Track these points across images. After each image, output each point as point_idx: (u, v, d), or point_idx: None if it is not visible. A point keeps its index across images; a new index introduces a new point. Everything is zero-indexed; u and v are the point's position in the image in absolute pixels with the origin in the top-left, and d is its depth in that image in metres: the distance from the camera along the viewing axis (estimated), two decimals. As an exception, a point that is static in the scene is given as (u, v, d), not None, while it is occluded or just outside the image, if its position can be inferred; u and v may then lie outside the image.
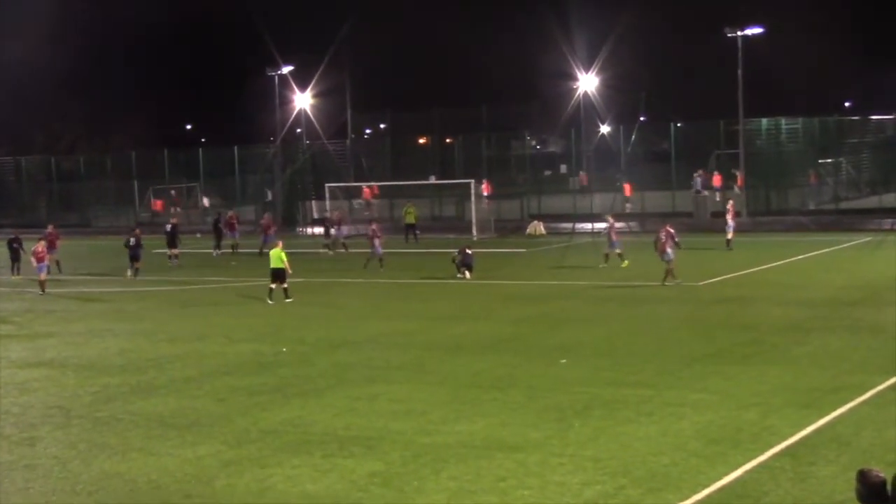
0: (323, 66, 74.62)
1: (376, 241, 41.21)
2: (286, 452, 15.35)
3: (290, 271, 33.00)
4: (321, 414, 17.67)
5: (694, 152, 64.78)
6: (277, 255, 33.03)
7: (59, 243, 44.35)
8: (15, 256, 42.87)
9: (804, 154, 61.38)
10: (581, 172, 71.07)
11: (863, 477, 7.95)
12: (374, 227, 42.54)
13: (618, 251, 38.23)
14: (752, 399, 17.37)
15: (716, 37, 62.88)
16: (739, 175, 62.03)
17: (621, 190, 65.15)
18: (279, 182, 72.12)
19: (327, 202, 61.28)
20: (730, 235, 44.18)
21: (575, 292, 32.80)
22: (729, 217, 45.13)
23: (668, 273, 32.99)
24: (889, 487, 7.85)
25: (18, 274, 42.41)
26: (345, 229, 51.35)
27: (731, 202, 47.59)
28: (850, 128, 66.57)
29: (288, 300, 32.34)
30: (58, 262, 43.21)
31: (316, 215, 65.11)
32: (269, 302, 32.36)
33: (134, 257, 41.09)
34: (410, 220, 55.65)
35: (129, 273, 41.01)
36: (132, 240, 41.28)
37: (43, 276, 37.16)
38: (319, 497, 13.41)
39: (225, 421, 17.48)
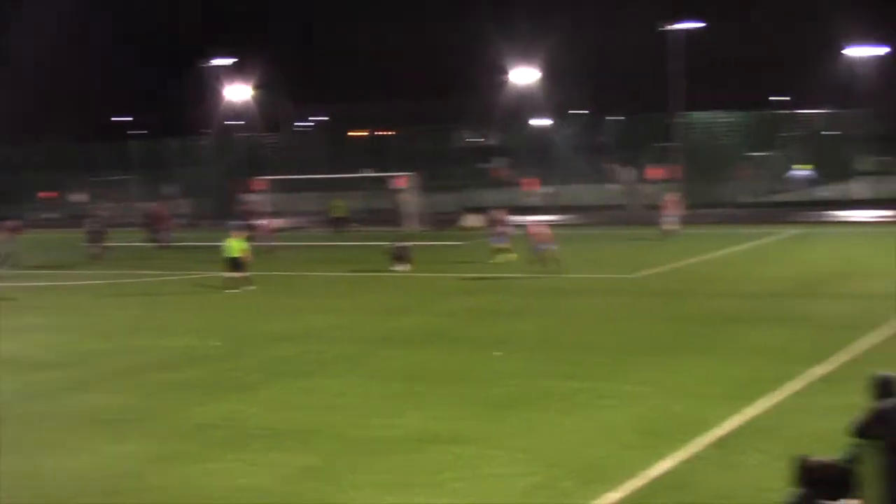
0: (261, 58, 74.21)
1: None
2: (219, 447, 15.22)
3: (248, 260, 33.69)
4: (255, 408, 17.53)
5: (630, 145, 65.34)
6: (236, 246, 33.48)
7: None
8: None
9: (738, 147, 62.12)
10: (501, 166, 71.18)
11: (803, 461, 8.07)
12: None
13: (501, 246, 38.49)
14: (684, 390, 17.54)
15: (654, 31, 63.45)
16: (670, 169, 63.07)
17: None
18: (215, 174, 71.58)
19: (255, 196, 60.82)
20: (668, 227, 44.73)
21: (510, 285, 32.90)
22: (667, 210, 45.62)
23: (544, 261, 33.97)
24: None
25: None
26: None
27: (669, 195, 48.00)
28: (783, 122, 67.45)
29: (234, 290, 32.71)
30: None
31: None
32: (234, 291, 32.69)
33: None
34: (339, 213, 55.95)
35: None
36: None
37: None
38: (253, 491, 13.32)
39: (156, 416, 17.29)
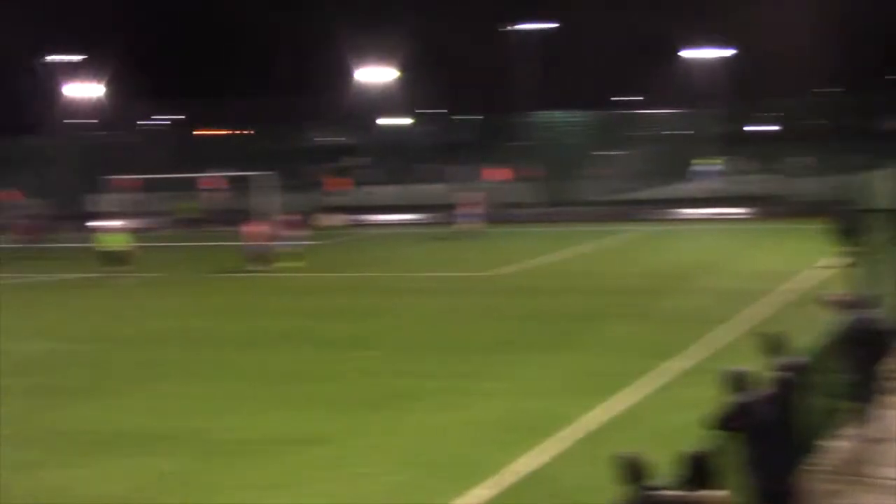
0: (110, 55, 72.44)
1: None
2: (79, 454, 14.88)
3: (133, 252, 34.67)
4: (115, 413, 17.19)
5: (485, 144, 65.90)
6: (117, 239, 34.03)
7: None
8: None
9: (586, 146, 63.14)
10: (315, 167, 70.57)
11: (622, 460, 8.30)
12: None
13: (286, 250, 37.45)
14: (546, 386, 17.79)
15: (500, 30, 64.13)
16: (521, 168, 64.28)
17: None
18: (61, 174, 69.61)
19: (105, 196, 59.36)
20: (465, 227, 45.33)
21: (366, 284, 32.91)
22: (466, 209, 46.15)
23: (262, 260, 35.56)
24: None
25: None
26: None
27: (469, 195, 48.45)
28: (630, 122, 68.74)
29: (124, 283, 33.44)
30: None
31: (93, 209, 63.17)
32: (121, 283, 33.35)
33: None
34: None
35: None
36: None
37: None
38: (115, 498, 13.08)
39: (16, 422, 16.76)
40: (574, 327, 23.67)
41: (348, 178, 65.37)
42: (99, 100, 73.96)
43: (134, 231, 39.24)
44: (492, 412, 16.25)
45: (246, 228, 37.20)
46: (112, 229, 35.73)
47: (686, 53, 79.26)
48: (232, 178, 64.52)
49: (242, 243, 37.03)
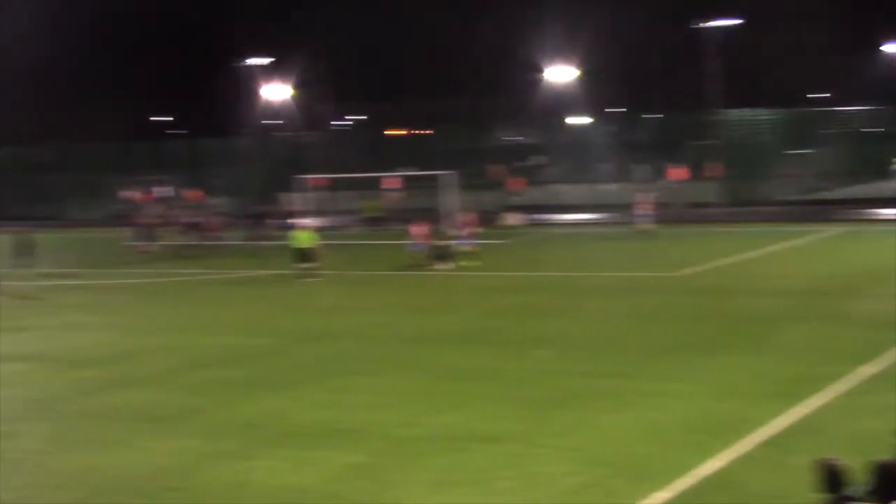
0: (300, 57, 74.36)
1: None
2: (265, 445, 15.30)
3: (320, 251, 35.55)
4: (300, 406, 17.61)
5: (667, 143, 65.08)
6: (305, 237, 35.14)
7: None
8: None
9: (778, 145, 61.69)
10: (498, 167, 70.60)
11: (820, 465, 8.02)
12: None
13: (464, 249, 37.95)
14: (730, 388, 17.45)
15: (691, 27, 63.14)
16: (712, 167, 63.07)
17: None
18: (254, 174, 71.91)
19: (297, 195, 61.04)
20: (644, 227, 44.71)
21: (551, 283, 32.87)
22: (642, 209, 45.49)
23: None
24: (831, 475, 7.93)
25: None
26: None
27: (645, 196, 47.73)
28: (823, 119, 66.83)
29: (309, 280, 34.50)
30: None
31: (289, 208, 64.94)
32: (309, 280, 34.47)
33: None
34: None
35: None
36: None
37: None
38: (299, 489, 13.38)
39: (203, 414, 17.42)
40: (758, 329, 23.15)
41: (524, 178, 65.47)
42: (289, 101, 75.90)
43: (321, 229, 40.27)
44: (673, 414, 16.04)
45: (414, 228, 38.12)
46: (301, 227, 36.89)
47: (889, 48, 76.35)
48: (415, 178, 65.56)
49: (409, 242, 38.14)
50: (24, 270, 40.72)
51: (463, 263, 37.02)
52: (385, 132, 77.38)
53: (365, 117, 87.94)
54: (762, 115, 62.46)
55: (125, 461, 14.84)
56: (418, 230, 38.04)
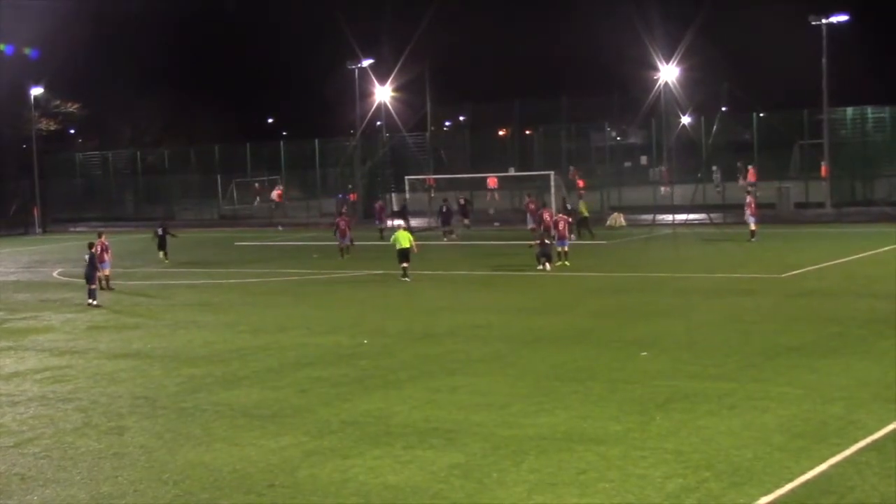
0: (403, 58, 74.72)
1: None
2: (367, 443, 15.48)
3: (416, 251, 36.00)
4: (402, 405, 17.77)
5: (777, 143, 64.10)
6: (404, 237, 35.74)
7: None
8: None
9: (891, 144, 60.29)
10: (662, 167, 70.62)
11: None
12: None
13: (563, 248, 38.10)
14: (837, 393, 17.16)
15: (800, 25, 62.01)
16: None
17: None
18: (359, 174, 72.64)
19: (406, 194, 61.68)
20: (753, 227, 43.99)
21: (655, 284, 32.64)
22: (749, 210, 44.75)
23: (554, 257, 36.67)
24: None
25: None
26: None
27: (749, 196, 46.96)
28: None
29: (405, 279, 35.16)
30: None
31: (395, 208, 65.60)
32: (406, 279, 35.18)
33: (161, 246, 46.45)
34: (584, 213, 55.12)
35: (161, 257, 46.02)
36: (160, 230, 47.03)
37: (107, 271, 36.52)
38: (400, 488, 13.51)
39: (307, 412, 17.68)
40: (864, 333, 22.71)
41: (584, 180, 64.96)
42: (393, 102, 76.33)
43: (426, 229, 40.57)
44: (779, 417, 15.82)
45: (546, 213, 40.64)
46: (403, 227, 37.32)
47: None
48: (516, 178, 65.70)
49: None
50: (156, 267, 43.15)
51: (565, 263, 37.22)
52: (495, 132, 77.58)
53: (463, 118, 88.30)
54: (872, 113, 61.06)
55: (229, 457, 15.14)
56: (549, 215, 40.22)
